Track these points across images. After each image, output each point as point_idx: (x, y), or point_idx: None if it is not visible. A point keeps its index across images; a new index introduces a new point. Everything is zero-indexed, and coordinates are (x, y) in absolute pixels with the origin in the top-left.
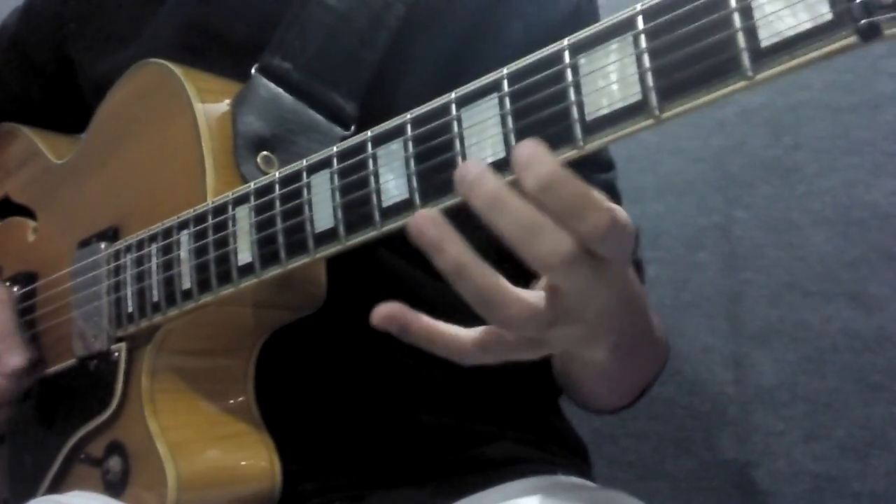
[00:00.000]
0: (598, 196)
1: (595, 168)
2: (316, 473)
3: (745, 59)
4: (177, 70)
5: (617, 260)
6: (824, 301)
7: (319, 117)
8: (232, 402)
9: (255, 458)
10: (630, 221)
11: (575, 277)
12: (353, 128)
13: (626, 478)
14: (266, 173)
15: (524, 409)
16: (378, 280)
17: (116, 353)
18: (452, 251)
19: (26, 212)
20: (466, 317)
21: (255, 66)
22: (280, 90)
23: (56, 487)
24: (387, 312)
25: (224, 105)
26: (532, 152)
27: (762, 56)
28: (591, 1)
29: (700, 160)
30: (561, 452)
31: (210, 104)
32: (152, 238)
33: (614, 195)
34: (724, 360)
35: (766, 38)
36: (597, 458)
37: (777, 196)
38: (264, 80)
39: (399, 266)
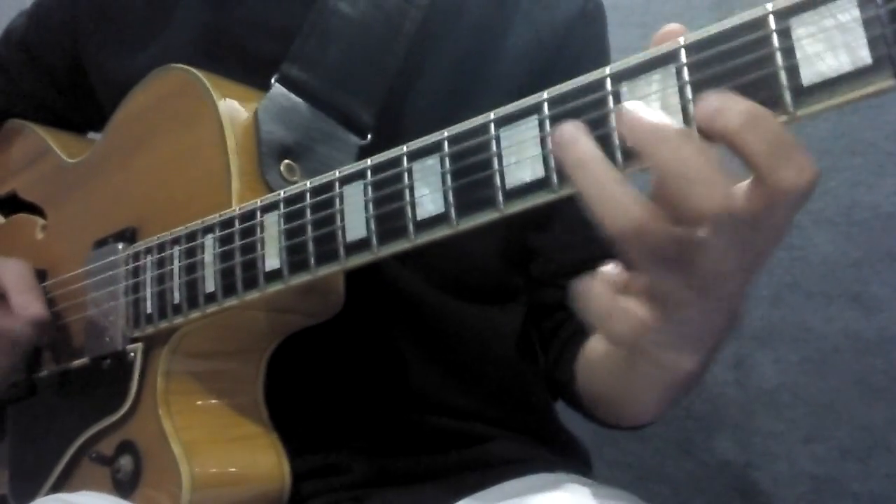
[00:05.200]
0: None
1: None
2: (318, 473)
3: (788, 97)
4: (201, 76)
5: (777, 230)
6: (826, 302)
7: (337, 126)
8: (243, 403)
9: (265, 459)
10: None
11: (720, 237)
12: (369, 136)
13: (627, 479)
14: (288, 181)
15: (525, 411)
16: (388, 287)
17: (132, 354)
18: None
19: (34, 209)
20: (473, 330)
21: (276, 76)
22: (300, 100)
23: (61, 486)
24: None
25: (247, 113)
26: (723, 97)
27: (803, 94)
28: (598, 5)
29: None
30: (561, 452)
31: (234, 111)
32: (175, 241)
33: None
34: (724, 360)
35: (808, 77)
36: (597, 460)
37: None
38: (284, 90)
39: (406, 278)
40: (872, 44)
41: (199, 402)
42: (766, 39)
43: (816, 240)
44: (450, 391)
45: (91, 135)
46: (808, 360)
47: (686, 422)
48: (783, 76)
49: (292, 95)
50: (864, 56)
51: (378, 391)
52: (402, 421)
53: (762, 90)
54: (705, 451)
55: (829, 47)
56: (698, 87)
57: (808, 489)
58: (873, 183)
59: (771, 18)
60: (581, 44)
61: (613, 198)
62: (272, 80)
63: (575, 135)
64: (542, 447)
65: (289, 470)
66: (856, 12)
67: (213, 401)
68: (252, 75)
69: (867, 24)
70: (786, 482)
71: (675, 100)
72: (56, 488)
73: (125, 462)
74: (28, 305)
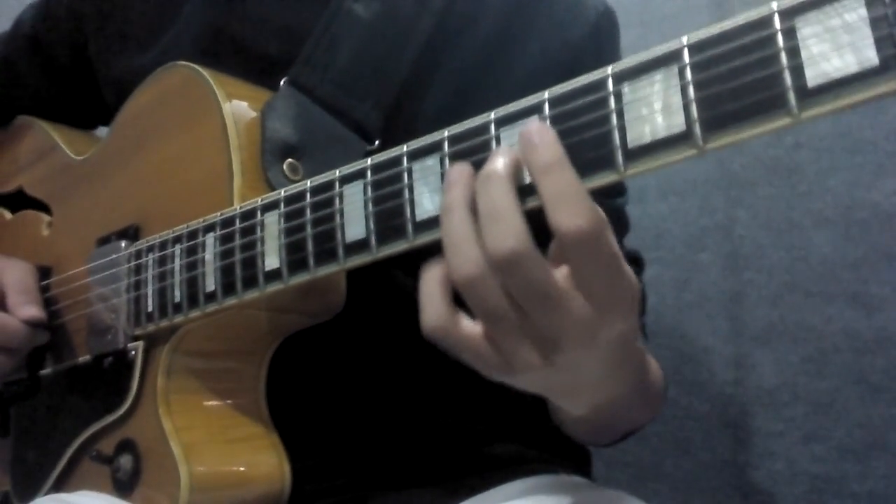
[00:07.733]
0: (587, 198)
1: (606, 192)
2: (320, 474)
3: (792, 98)
4: (206, 73)
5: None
6: (825, 301)
7: (346, 130)
8: (244, 404)
9: (265, 461)
10: (629, 274)
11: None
12: (377, 142)
13: (626, 478)
14: (291, 180)
15: (525, 411)
16: (390, 289)
17: (133, 352)
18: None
19: (40, 205)
20: None
21: (285, 78)
22: (308, 101)
23: (62, 484)
24: None
25: (252, 111)
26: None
27: (808, 95)
28: (611, 20)
29: (702, 160)
30: (561, 453)
31: (238, 109)
32: (176, 239)
33: (621, 222)
34: (724, 360)
35: (813, 78)
36: (596, 459)
37: (779, 196)
38: (293, 91)
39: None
40: (879, 44)
41: (200, 402)
42: (771, 39)
43: (816, 240)
44: (451, 391)
45: (100, 130)
46: (807, 359)
47: (686, 421)
48: (787, 77)
49: (301, 97)
50: (871, 56)
51: (379, 392)
52: (404, 422)
53: (765, 91)
54: (704, 451)
55: (834, 47)
56: (701, 87)
57: (808, 489)
58: (873, 183)
59: (776, 17)
60: (592, 63)
61: (460, 247)
62: (281, 83)
63: (455, 179)
64: (542, 448)
65: (289, 471)
66: (863, 11)
67: (214, 400)
68: (255, 75)
69: (874, 23)
70: (785, 482)
71: (676, 99)
72: (57, 487)
73: (125, 461)
74: (22, 306)
